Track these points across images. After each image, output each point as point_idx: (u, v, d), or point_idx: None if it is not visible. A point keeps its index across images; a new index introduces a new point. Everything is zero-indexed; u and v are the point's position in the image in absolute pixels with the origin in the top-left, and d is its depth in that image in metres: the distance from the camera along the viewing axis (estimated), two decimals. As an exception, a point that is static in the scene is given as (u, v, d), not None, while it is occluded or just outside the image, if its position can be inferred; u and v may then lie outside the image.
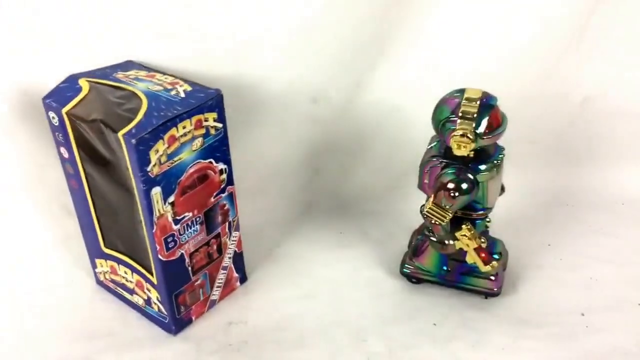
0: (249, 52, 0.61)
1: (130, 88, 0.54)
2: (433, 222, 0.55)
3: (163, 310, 0.57)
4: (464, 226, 0.55)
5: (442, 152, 0.56)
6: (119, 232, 0.58)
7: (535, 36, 0.65)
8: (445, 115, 0.53)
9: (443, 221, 0.54)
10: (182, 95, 0.53)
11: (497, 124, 0.53)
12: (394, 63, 0.65)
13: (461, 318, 0.58)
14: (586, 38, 0.66)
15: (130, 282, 0.60)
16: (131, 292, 0.60)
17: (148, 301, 0.59)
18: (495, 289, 0.59)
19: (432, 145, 0.57)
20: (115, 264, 0.60)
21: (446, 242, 0.56)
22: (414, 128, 0.69)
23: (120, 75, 0.56)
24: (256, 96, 0.64)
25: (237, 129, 0.66)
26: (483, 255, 0.56)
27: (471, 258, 0.56)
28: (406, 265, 0.62)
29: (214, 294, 0.61)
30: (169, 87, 0.54)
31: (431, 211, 0.54)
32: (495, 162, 0.55)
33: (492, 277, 0.58)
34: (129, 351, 0.56)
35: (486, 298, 0.60)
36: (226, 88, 0.60)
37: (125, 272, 0.59)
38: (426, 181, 0.56)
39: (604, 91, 0.70)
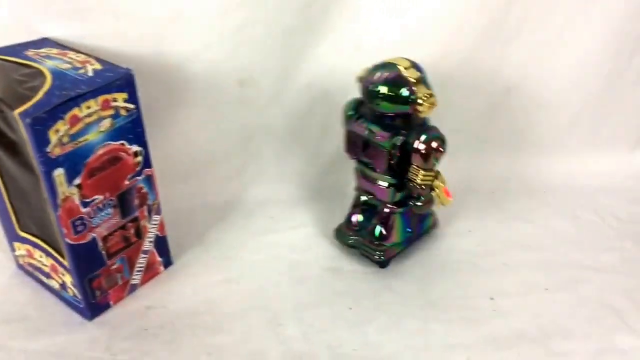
0: (169, 30, 0.57)
1: (37, 66, 0.49)
2: (424, 187, 0.54)
3: (78, 294, 0.54)
4: (440, 175, 0.56)
5: (386, 128, 0.53)
6: (31, 215, 0.54)
7: (458, 22, 0.62)
8: (399, 89, 0.51)
9: (432, 181, 0.55)
10: (90, 74, 0.49)
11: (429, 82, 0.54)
12: (321, 47, 0.62)
13: (376, 302, 0.56)
14: (508, 25, 0.64)
15: (46, 265, 0.56)
16: (47, 276, 0.56)
17: (63, 285, 0.55)
18: (437, 220, 0.62)
19: (369, 128, 0.54)
20: (31, 248, 0.56)
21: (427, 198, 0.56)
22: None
23: (31, 52, 0.52)
24: (180, 77, 0.60)
25: (162, 110, 0.63)
26: (447, 191, 0.56)
27: (440, 200, 0.56)
28: (380, 253, 0.58)
29: (134, 279, 0.57)
30: (79, 65, 0.50)
31: (425, 178, 0.54)
32: (428, 119, 0.55)
33: (432, 213, 0.61)
34: (42, 337, 0.52)
35: (429, 233, 0.61)
36: (148, 68, 0.57)
37: (41, 256, 0.55)
38: (393, 161, 0.54)
39: (528, 80, 0.68)
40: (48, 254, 0.54)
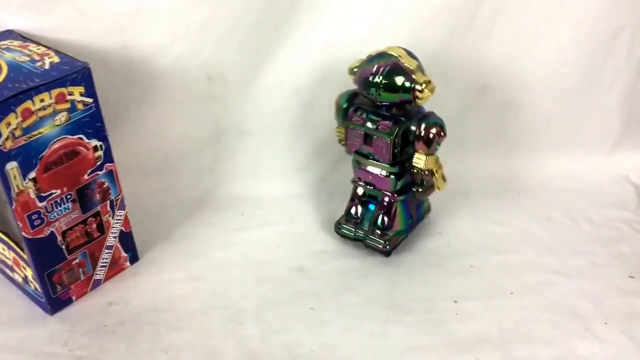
0: (133, 24, 0.55)
1: (-5, 58, 0.48)
2: (429, 172, 0.54)
3: (39, 288, 0.52)
4: (438, 159, 0.55)
5: (386, 117, 0.53)
6: (-8, 208, 0.53)
7: (427, 17, 0.59)
8: (400, 77, 0.51)
9: (435, 166, 0.55)
10: (47, 67, 0.47)
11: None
12: (290, 42, 0.59)
13: (339, 303, 0.54)
14: (480, 21, 0.60)
15: (9, 259, 0.54)
16: (11, 269, 0.55)
17: (25, 279, 0.53)
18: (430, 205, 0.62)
19: (370, 119, 0.53)
20: (-7, 241, 0.55)
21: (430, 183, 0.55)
22: (316, 109, 0.64)
23: (-9, 44, 0.51)
24: (147, 71, 0.58)
25: (131, 104, 0.60)
26: (444, 175, 0.56)
27: (437, 184, 0.56)
28: (385, 242, 0.57)
29: (98, 274, 0.55)
30: (37, 58, 0.48)
31: (429, 163, 0.53)
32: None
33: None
34: (1, 330, 0.50)
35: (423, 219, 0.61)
36: (114, 62, 0.55)
37: (3, 249, 0.54)
38: (397, 149, 0.53)
39: (502, 78, 0.64)
40: (10, 247, 0.52)
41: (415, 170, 0.55)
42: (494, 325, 0.52)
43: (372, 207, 0.59)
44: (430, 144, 0.54)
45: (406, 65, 0.52)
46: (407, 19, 0.59)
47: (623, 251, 0.60)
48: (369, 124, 0.54)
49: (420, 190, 0.56)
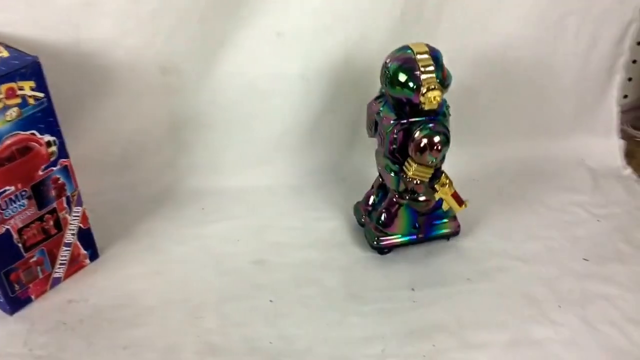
0: (84, 17, 0.56)
1: (-59, 55, 0.49)
2: (417, 182, 0.54)
3: (-4, 288, 0.55)
4: (442, 176, 0.55)
5: (397, 113, 0.54)
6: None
7: (380, 4, 0.61)
8: (404, 74, 0.52)
9: (427, 178, 0.54)
10: (-5, 63, 0.49)
11: (448, 74, 0.53)
12: (241, 34, 0.61)
13: (298, 295, 0.57)
14: (429, 5, 0.62)
15: (-36, 259, 0.56)
16: (-32, 268, 0.57)
17: (-18, 279, 0.56)
18: (459, 228, 0.61)
19: (381, 110, 0.55)
20: (-50, 240, 0.57)
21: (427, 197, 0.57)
22: (273, 101, 0.67)
23: (-62, 41, 0.52)
24: (101, 64, 0.59)
25: (86, 99, 0.62)
26: (458, 198, 0.56)
27: (447, 204, 0.57)
28: (378, 239, 0.59)
29: (57, 272, 0.58)
30: (-15, 54, 0.50)
31: (417, 172, 0.54)
32: (445, 113, 0.55)
33: (453, 219, 0.60)
34: (-42, 331, 0.54)
35: (448, 240, 0.61)
36: (67, 56, 0.57)
37: (-42, 250, 0.56)
38: (394, 147, 0.54)
39: (455, 63, 0.62)
40: (-34, 246, 0.55)
41: (403, 176, 0.55)
42: (450, 312, 0.56)
43: (383, 200, 0.61)
44: (421, 152, 0.53)
45: (420, 63, 0.51)
46: (357, 8, 0.61)
47: (578, 235, 0.64)
48: (378, 114, 0.56)
49: (413, 200, 0.56)
